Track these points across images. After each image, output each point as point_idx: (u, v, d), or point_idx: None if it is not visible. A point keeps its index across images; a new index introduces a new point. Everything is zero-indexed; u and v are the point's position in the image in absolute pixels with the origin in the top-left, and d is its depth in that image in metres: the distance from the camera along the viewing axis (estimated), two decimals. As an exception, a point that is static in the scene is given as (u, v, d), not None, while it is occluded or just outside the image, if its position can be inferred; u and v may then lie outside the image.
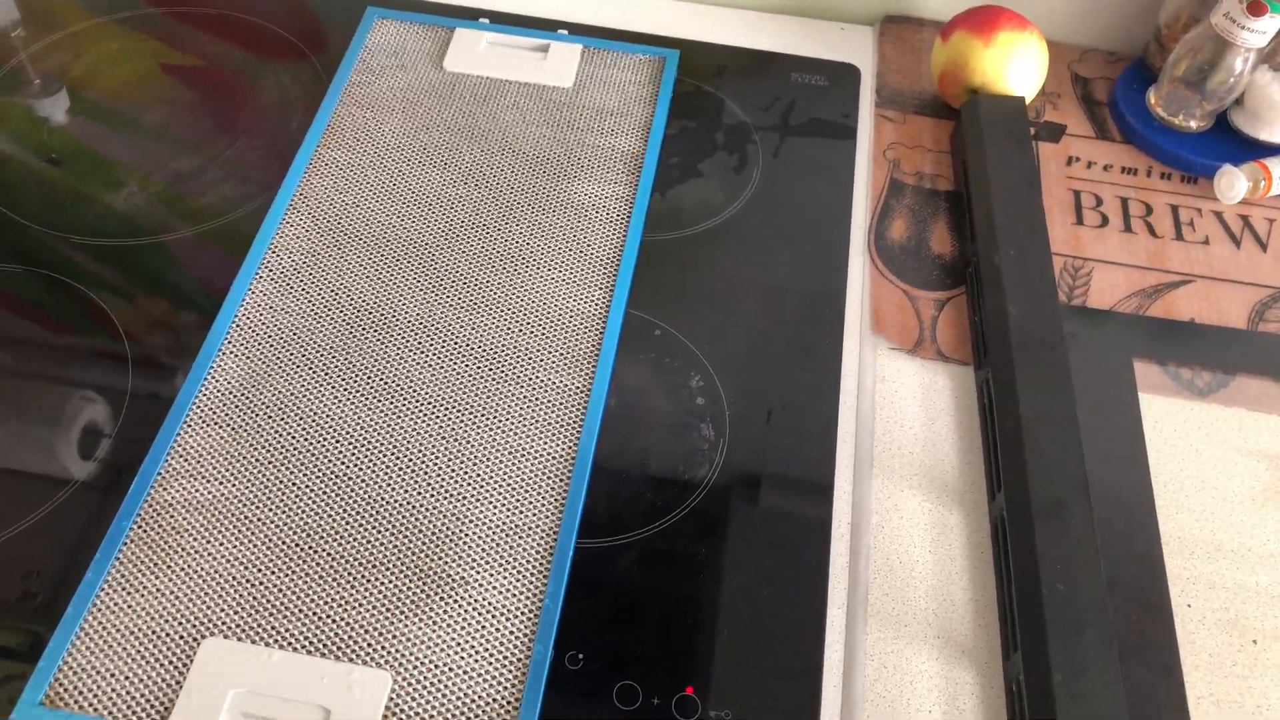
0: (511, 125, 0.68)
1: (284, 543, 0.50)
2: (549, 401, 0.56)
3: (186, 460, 0.53)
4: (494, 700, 0.46)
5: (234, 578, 0.49)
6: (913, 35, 0.77)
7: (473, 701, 0.46)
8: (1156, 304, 0.61)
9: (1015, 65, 0.67)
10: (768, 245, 0.64)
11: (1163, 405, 0.57)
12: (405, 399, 0.56)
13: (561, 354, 0.58)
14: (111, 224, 0.63)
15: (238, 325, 0.58)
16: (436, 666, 0.47)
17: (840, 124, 0.71)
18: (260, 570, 0.50)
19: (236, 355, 0.57)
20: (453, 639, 0.48)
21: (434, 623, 0.48)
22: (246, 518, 0.51)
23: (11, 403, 0.55)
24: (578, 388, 0.56)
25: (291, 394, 0.55)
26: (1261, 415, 0.57)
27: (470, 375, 0.57)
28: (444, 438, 0.54)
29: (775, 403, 0.57)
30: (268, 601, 0.49)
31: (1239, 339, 0.60)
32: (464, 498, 0.52)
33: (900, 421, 0.57)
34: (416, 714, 0.46)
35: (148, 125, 0.68)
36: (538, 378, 0.57)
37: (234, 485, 0.52)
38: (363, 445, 0.54)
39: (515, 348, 0.58)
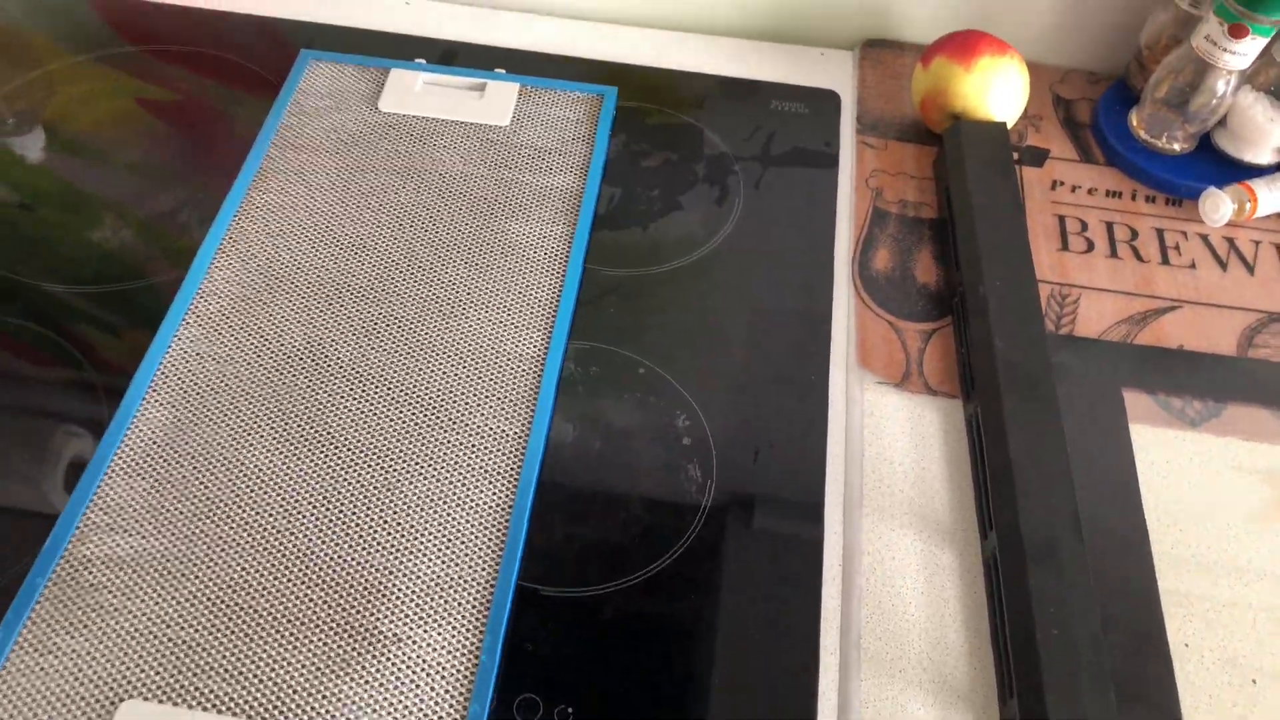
0: (448, 165, 0.67)
1: (207, 599, 0.49)
2: (485, 448, 0.54)
3: (107, 513, 0.51)
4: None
5: (154, 636, 0.48)
6: (893, 60, 0.76)
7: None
8: (1145, 331, 0.61)
9: (996, 90, 0.66)
10: (751, 279, 0.63)
11: (1154, 436, 0.56)
12: (335, 447, 0.54)
13: (499, 398, 0.56)
14: (87, 269, 0.62)
15: (163, 372, 0.56)
16: (366, 728, 0.46)
17: (822, 152, 0.70)
18: (182, 628, 0.48)
19: (162, 404, 0.55)
20: (384, 698, 0.47)
21: (365, 681, 0.47)
22: (168, 573, 0.50)
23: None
24: (515, 433, 0.55)
25: (218, 443, 0.54)
26: (1256, 444, 0.56)
27: (403, 422, 0.55)
28: (376, 487, 0.53)
29: (763, 441, 0.56)
30: (190, 661, 0.47)
31: (1229, 366, 0.59)
32: (396, 550, 0.51)
33: (890, 458, 0.56)
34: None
35: (124, 162, 0.67)
36: (474, 423, 0.55)
37: (156, 539, 0.51)
38: (291, 496, 0.52)
39: (450, 393, 0.57)
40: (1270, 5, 0.59)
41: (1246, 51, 0.62)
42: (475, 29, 0.77)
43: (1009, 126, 0.68)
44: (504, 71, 0.72)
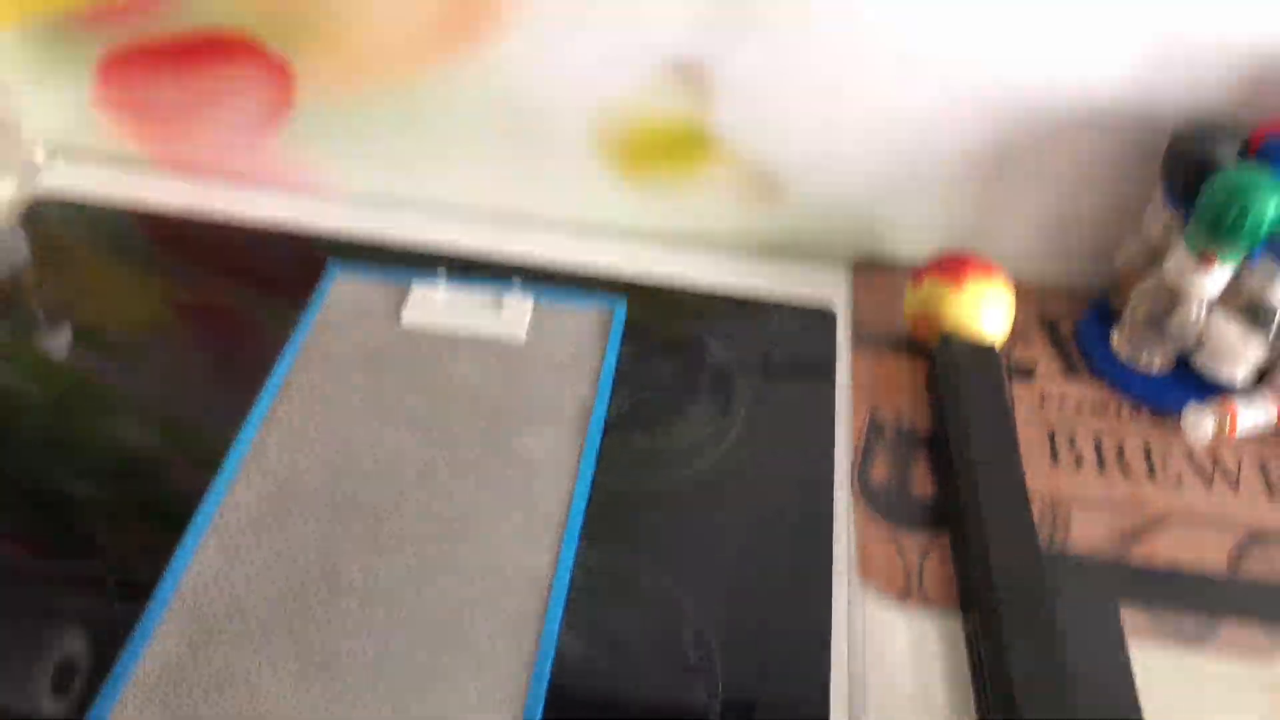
0: (465, 377, 0.70)
1: None
2: (492, 672, 0.54)
3: None
4: None
5: None
6: (885, 277, 0.80)
7: None
8: (1139, 546, 0.62)
9: (985, 310, 0.70)
10: (753, 490, 0.65)
11: (1152, 654, 0.57)
12: (342, 672, 0.54)
13: (505, 618, 0.57)
14: (111, 470, 0.64)
15: (180, 594, 0.57)
16: None
17: (819, 365, 0.73)
18: None
19: (179, 625, 0.55)
20: None
21: None
22: None
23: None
24: (522, 655, 0.55)
25: (228, 669, 0.54)
26: (1251, 663, 0.57)
27: (411, 644, 0.55)
28: (381, 717, 0.52)
29: (768, 656, 0.57)
30: None
31: (1221, 585, 0.61)
32: None
33: (892, 676, 0.57)
34: None
35: (152, 365, 0.70)
36: (481, 646, 0.56)
37: None
38: None
39: (458, 614, 0.57)
40: (1234, 237, 0.63)
41: (1216, 279, 0.66)
42: (494, 240, 0.81)
43: (997, 343, 0.71)
44: (520, 282, 0.76)
